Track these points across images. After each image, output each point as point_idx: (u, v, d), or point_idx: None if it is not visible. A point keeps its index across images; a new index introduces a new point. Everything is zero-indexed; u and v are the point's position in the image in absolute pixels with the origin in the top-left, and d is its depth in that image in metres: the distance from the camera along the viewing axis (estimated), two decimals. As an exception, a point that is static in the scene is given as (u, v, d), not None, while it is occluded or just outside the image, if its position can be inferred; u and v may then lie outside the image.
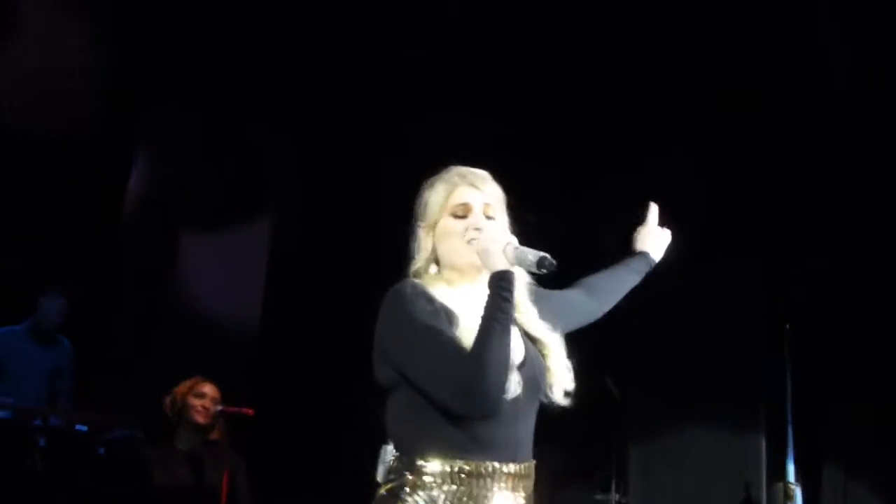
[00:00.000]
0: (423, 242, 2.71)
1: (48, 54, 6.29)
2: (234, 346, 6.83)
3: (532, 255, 2.50)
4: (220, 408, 5.50)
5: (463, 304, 2.60)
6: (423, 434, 2.53)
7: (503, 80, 6.10)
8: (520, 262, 2.52)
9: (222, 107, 6.94)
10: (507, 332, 2.46)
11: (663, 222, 3.22)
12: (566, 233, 5.09)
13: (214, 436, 5.52)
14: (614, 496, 5.48)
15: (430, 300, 2.57)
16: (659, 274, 5.34)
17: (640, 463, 5.42)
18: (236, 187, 7.16)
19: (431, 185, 2.73)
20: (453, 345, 2.46)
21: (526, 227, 2.74)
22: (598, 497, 5.58)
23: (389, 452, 2.59)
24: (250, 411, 5.47)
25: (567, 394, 2.65)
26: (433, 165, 2.79)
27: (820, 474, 5.28)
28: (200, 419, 5.48)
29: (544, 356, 2.66)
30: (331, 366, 6.22)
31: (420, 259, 2.71)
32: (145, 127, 7.17)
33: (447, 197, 2.69)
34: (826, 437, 5.31)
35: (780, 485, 5.16)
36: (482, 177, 2.72)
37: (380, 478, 2.60)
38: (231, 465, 5.36)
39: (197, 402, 5.50)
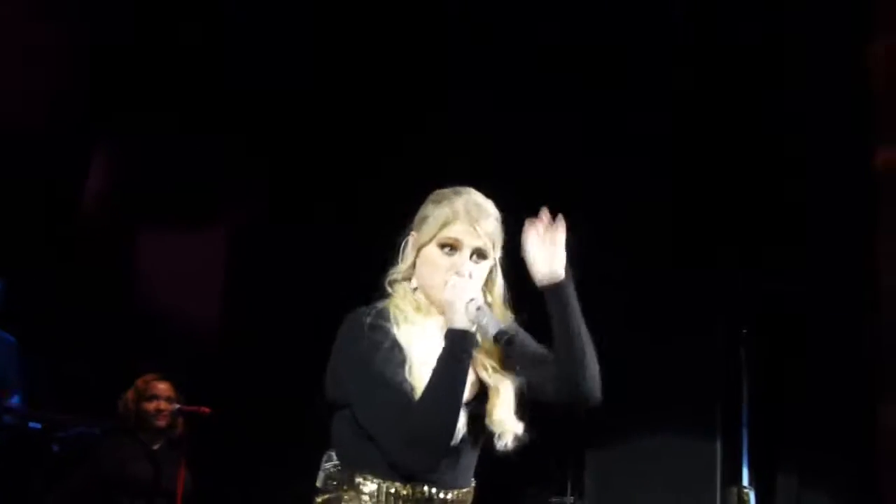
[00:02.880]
0: (409, 258, 2.66)
1: (4, 52, 6.24)
2: (193, 344, 6.81)
3: (492, 325, 2.47)
4: (177, 406, 5.48)
5: (423, 334, 2.57)
6: (365, 453, 2.52)
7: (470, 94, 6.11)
8: (478, 325, 2.49)
9: (182, 105, 6.90)
10: (457, 393, 2.45)
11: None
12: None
13: (177, 433, 5.51)
14: (570, 499, 5.50)
15: (387, 334, 2.53)
16: (616, 279, 5.38)
17: (596, 466, 5.43)
18: (196, 185, 7.12)
19: (438, 203, 2.65)
20: (402, 398, 2.44)
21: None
22: (554, 500, 5.59)
23: (332, 459, 2.60)
24: (207, 410, 5.46)
25: (515, 441, 2.61)
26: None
27: (774, 479, 5.31)
28: (160, 423, 5.46)
29: (492, 403, 2.61)
30: (290, 365, 6.19)
31: (401, 269, 2.67)
32: (104, 124, 7.11)
33: (443, 225, 2.61)
34: (781, 441, 5.34)
35: (734, 489, 5.19)
36: (484, 213, 2.62)
37: (319, 483, 2.61)
38: (184, 461, 5.36)
39: (151, 407, 5.47)
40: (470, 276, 2.58)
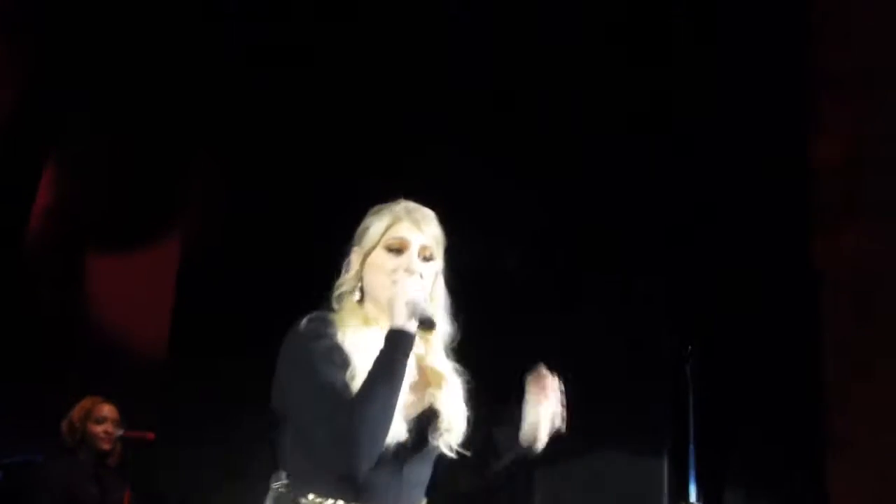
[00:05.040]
0: (354, 267, 2.66)
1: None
2: (141, 366, 6.75)
3: (421, 310, 2.47)
4: (121, 433, 5.44)
5: (370, 345, 2.54)
6: (308, 470, 2.51)
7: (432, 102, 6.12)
8: (415, 315, 2.48)
9: (134, 122, 6.87)
10: (391, 394, 2.43)
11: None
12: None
13: (113, 460, 5.46)
14: (518, 517, 5.50)
15: (331, 343, 2.52)
16: (563, 298, 5.41)
17: (545, 484, 5.43)
18: (147, 201, 7.08)
19: (376, 213, 2.69)
20: (336, 399, 2.42)
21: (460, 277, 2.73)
22: (502, 519, 5.58)
23: (279, 479, 2.58)
24: (151, 436, 5.42)
25: (460, 444, 2.62)
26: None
27: (722, 495, 5.33)
28: (104, 446, 5.42)
29: (439, 403, 2.62)
30: (238, 389, 6.15)
31: (346, 284, 2.67)
32: (54, 140, 7.06)
33: (387, 229, 2.63)
34: (728, 457, 5.36)
35: (681, 505, 5.21)
36: (427, 216, 2.67)
37: (267, 503, 2.58)
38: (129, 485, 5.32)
39: (98, 429, 5.44)
40: (421, 275, 2.59)
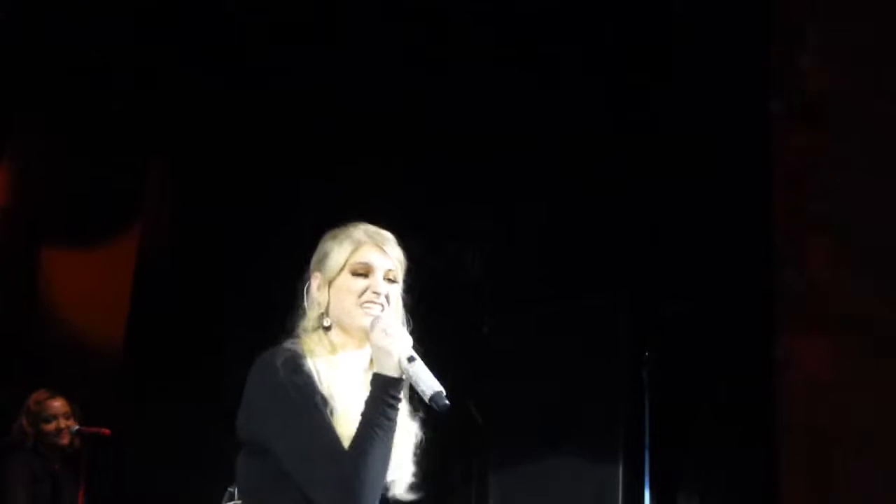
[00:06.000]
0: (318, 297, 2.63)
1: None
2: (96, 363, 6.72)
3: (427, 385, 2.45)
4: (76, 427, 5.41)
5: (342, 372, 2.55)
6: (267, 493, 2.50)
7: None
8: (412, 382, 2.48)
9: (89, 120, 6.83)
10: (389, 441, 2.45)
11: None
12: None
13: (74, 450, 5.43)
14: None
15: (306, 376, 2.50)
16: (520, 302, 5.43)
17: (500, 489, 5.44)
18: (103, 201, 7.04)
19: (335, 238, 2.66)
20: (329, 445, 2.43)
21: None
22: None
23: (233, 498, 2.57)
24: (107, 431, 5.40)
25: (410, 488, 2.63)
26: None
27: (675, 502, 5.36)
28: (62, 441, 5.39)
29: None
30: (193, 387, 6.14)
31: (311, 317, 2.64)
32: (9, 138, 7.02)
33: (351, 254, 2.61)
34: (683, 464, 5.40)
35: (636, 511, 5.24)
36: (388, 239, 2.67)
37: None
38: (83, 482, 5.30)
39: (51, 427, 5.40)
40: (387, 297, 2.60)
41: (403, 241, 2.71)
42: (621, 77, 5.63)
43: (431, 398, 2.44)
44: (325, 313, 2.62)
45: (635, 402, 5.22)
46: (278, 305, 2.74)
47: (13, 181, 7.08)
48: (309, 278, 2.66)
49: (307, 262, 2.70)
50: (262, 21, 6.37)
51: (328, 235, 2.68)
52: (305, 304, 2.64)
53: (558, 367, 5.30)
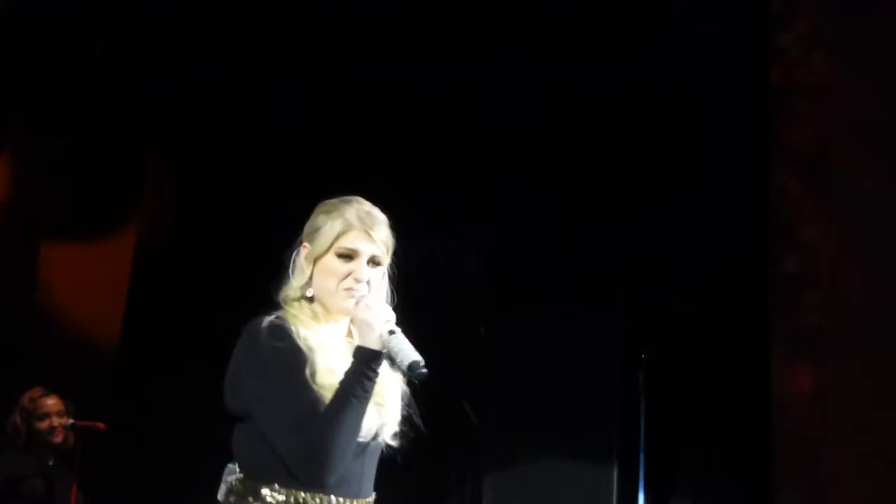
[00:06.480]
0: (303, 268, 2.66)
1: None
2: (93, 358, 6.71)
3: (407, 355, 2.51)
4: (71, 421, 5.39)
5: (324, 340, 2.60)
6: (269, 464, 2.53)
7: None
8: (392, 353, 2.52)
9: (88, 115, 6.83)
10: (362, 411, 2.51)
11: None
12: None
13: (69, 446, 5.42)
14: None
15: (288, 341, 2.54)
16: (517, 304, 5.42)
17: (495, 490, 5.44)
18: (101, 198, 7.04)
19: (328, 213, 2.68)
20: (301, 408, 2.48)
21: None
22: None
23: (233, 472, 2.59)
24: (102, 426, 5.38)
25: (395, 436, 2.68)
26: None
27: (669, 503, 5.36)
28: (55, 439, 5.37)
29: (383, 400, 2.66)
30: (189, 381, 6.13)
31: (295, 285, 2.67)
32: (8, 135, 7.01)
33: (338, 236, 2.63)
34: (678, 466, 5.40)
35: (630, 514, 5.24)
36: (378, 223, 2.68)
37: (220, 496, 2.60)
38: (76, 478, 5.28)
39: (44, 425, 5.37)
40: (368, 282, 2.63)
41: (395, 223, 2.72)
42: (621, 77, 5.63)
43: (409, 366, 2.50)
44: (309, 284, 2.66)
45: (631, 404, 5.22)
46: (269, 296, 2.74)
47: (11, 177, 7.07)
48: (299, 246, 2.70)
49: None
50: (261, 17, 6.37)
51: (322, 207, 2.72)
52: (291, 271, 2.69)
53: (554, 368, 5.30)
